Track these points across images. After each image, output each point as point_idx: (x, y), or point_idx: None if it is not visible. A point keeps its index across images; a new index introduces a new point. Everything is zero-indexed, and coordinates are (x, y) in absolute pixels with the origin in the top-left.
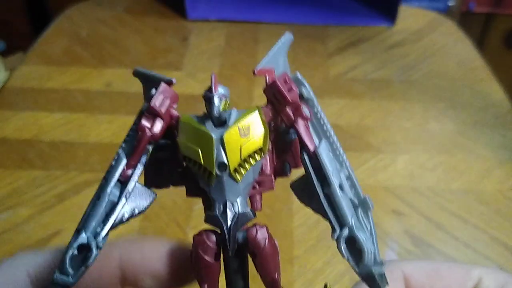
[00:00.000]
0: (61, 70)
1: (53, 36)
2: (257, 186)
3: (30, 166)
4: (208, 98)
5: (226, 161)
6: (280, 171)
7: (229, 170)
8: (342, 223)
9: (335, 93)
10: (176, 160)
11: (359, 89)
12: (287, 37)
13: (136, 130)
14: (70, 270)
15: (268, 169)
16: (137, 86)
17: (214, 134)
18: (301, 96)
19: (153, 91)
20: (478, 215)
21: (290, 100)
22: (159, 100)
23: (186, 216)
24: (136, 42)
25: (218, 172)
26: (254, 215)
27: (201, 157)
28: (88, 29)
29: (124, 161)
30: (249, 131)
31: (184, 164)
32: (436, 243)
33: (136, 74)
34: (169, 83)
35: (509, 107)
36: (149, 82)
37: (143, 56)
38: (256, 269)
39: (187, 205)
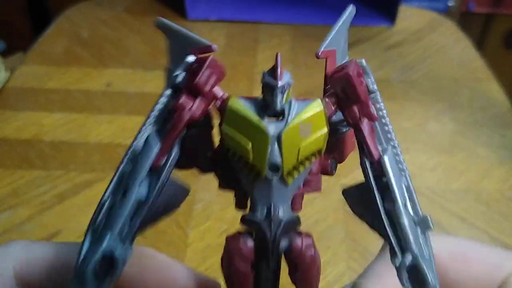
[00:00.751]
0: (61, 70)
1: (53, 36)
2: (301, 186)
3: (30, 166)
4: (271, 86)
5: (280, 163)
6: (326, 168)
7: (282, 172)
8: (404, 247)
9: None
10: (207, 142)
11: None
12: (350, 11)
13: (171, 108)
14: (93, 286)
15: (315, 168)
16: (137, 86)
17: (271, 129)
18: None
19: (190, 58)
20: (478, 215)
21: (362, 98)
22: (205, 76)
23: (186, 216)
24: (136, 42)
25: (268, 174)
26: (300, 222)
27: (251, 155)
28: (88, 29)
29: (157, 147)
30: (310, 130)
31: (214, 150)
32: None
33: (160, 25)
34: (209, 50)
35: (509, 107)
36: (178, 41)
37: (143, 56)
38: (294, 281)
39: (187, 205)
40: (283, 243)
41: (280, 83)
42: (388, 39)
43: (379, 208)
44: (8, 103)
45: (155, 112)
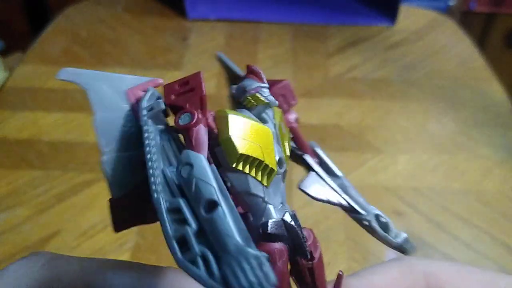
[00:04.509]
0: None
1: (52, 36)
2: None
3: (29, 166)
4: (261, 89)
5: (283, 157)
6: None
7: (286, 166)
8: (363, 207)
9: (335, 93)
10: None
11: (359, 89)
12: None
13: (183, 128)
14: None
15: None
16: None
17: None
18: None
19: (151, 89)
20: (478, 215)
21: (295, 102)
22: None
23: None
24: (136, 42)
25: (279, 169)
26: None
27: (263, 154)
28: (88, 29)
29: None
30: (285, 128)
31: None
32: (436, 243)
33: (64, 77)
34: (158, 83)
35: (509, 106)
36: (106, 85)
37: (142, 55)
38: (304, 278)
39: None
40: None
41: (267, 86)
42: (389, 38)
43: (332, 185)
44: (7, 103)
45: (155, 149)
